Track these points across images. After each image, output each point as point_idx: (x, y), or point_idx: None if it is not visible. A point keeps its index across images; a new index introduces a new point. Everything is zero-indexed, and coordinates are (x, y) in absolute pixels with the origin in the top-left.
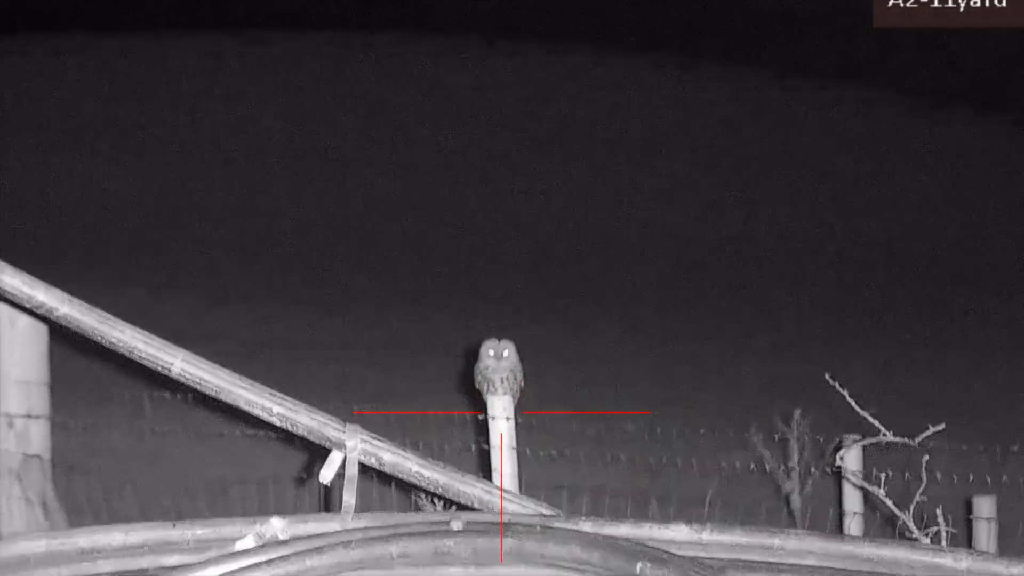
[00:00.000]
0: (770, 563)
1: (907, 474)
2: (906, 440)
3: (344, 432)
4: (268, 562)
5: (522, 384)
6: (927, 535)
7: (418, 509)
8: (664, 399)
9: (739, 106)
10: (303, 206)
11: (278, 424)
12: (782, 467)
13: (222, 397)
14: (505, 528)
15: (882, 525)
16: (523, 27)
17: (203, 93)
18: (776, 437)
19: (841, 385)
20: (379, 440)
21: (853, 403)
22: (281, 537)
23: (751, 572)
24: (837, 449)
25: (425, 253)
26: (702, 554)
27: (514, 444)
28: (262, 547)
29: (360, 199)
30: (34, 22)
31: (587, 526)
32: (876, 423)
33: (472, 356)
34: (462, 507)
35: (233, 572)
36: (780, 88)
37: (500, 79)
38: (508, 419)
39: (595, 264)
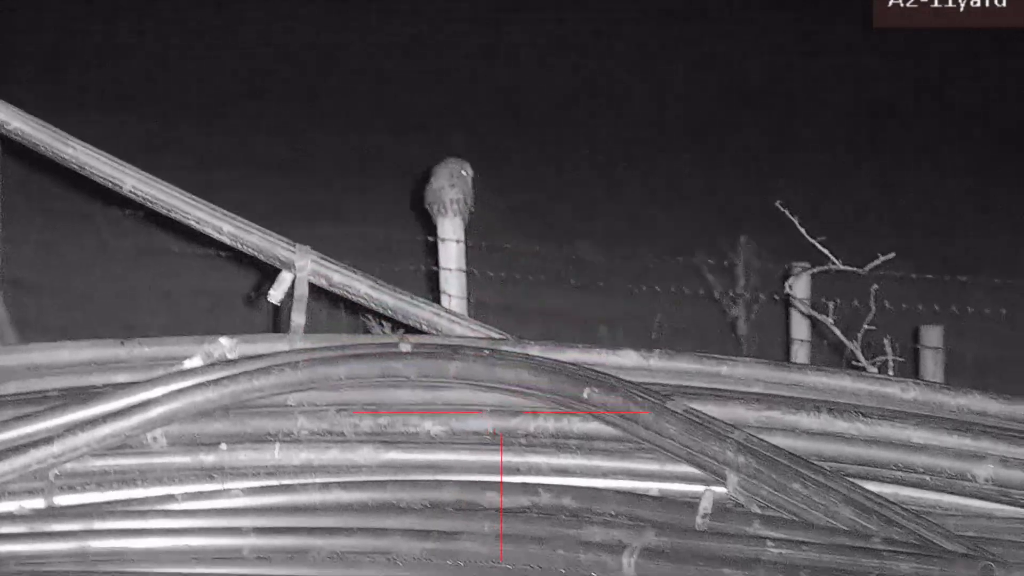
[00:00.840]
0: (717, 390)
1: (855, 303)
2: (855, 269)
3: (295, 252)
4: (215, 381)
5: (471, 207)
6: (874, 364)
7: (367, 331)
8: (616, 224)
9: None
10: (260, 25)
11: (228, 243)
12: (729, 294)
13: (173, 215)
14: (453, 351)
15: (830, 354)
16: None
17: None
18: (725, 263)
19: (791, 212)
20: (329, 261)
21: (803, 230)
22: (229, 356)
23: (698, 399)
24: (786, 276)
25: (388, 76)
26: (650, 380)
27: (463, 267)
28: (210, 366)
29: (321, 20)
30: None
31: (535, 350)
32: (825, 251)
33: (427, 178)
34: (411, 329)
35: (181, 391)
36: None
37: None
38: (458, 241)
39: (559, 94)
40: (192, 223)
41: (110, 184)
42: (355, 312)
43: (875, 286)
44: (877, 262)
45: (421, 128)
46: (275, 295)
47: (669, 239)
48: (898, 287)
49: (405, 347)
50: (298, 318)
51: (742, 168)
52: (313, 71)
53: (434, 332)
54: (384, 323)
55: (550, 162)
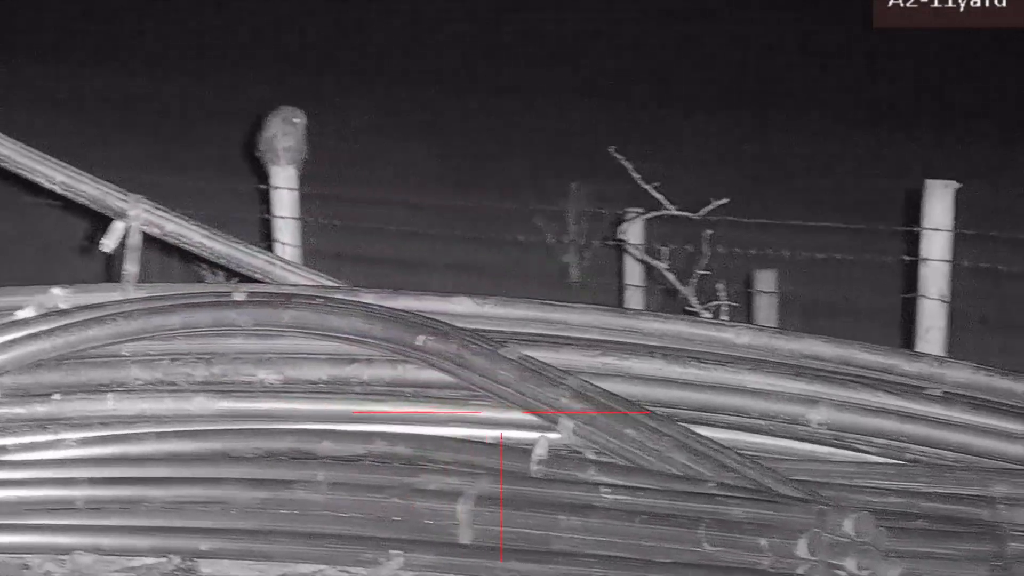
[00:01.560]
0: (551, 336)
1: (690, 248)
2: (689, 214)
3: (127, 201)
4: (48, 331)
5: (304, 155)
6: (708, 310)
7: (201, 280)
8: (451, 169)
9: None
10: None
11: (60, 192)
12: (561, 240)
13: (5, 165)
14: (287, 299)
15: (664, 299)
16: None
17: None
18: (555, 208)
19: (625, 157)
20: (162, 209)
21: (637, 176)
22: (62, 306)
23: (533, 345)
24: (619, 222)
25: (232, 16)
26: (484, 327)
27: (296, 215)
28: (43, 316)
29: None
30: None
31: (369, 298)
32: (659, 196)
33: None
34: (245, 278)
35: (12, 341)
36: None
37: None
38: (291, 189)
39: (393, 31)
40: (24, 172)
41: None
42: (188, 261)
43: (709, 231)
44: (710, 207)
45: (248, 76)
46: (108, 244)
47: (502, 185)
48: (733, 231)
49: (239, 296)
50: (131, 267)
51: (582, 116)
52: (145, 13)
53: (268, 281)
54: (218, 272)
55: (386, 107)
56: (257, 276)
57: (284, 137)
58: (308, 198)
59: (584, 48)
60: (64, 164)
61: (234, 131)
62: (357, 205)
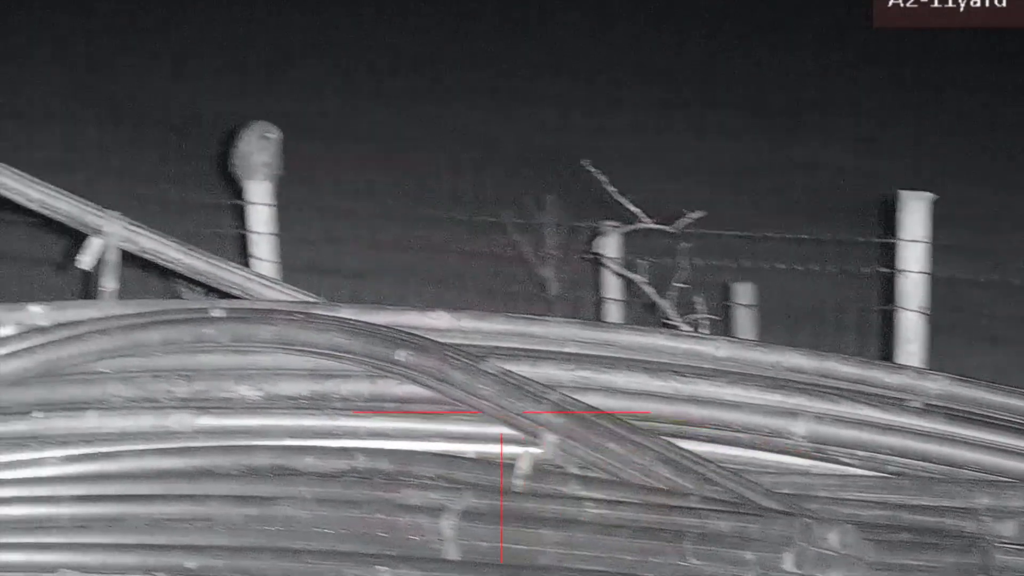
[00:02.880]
0: (530, 351)
1: (668, 261)
2: (665, 227)
3: (103, 218)
4: (28, 349)
5: (278, 170)
6: (687, 323)
7: (178, 296)
8: (422, 182)
9: None
10: None
11: (37, 210)
12: (538, 253)
13: None
14: (266, 315)
15: (642, 312)
16: None
17: None
18: (531, 222)
19: (600, 170)
20: (139, 226)
21: (612, 190)
22: (40, 324)
23: (512, 359)
24: (595, 235)
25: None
26: (463, 342)
27: (273, 230)
28: (22, 334)
29: None
30: None
31: (348, 312)
32: (635, 210)
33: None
34: (223, 294)
35: None
36: None
37: None
38: (267, 205)
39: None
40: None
41: None
42: (167, 277)
43: (685, 244)
44: (687, 220)
45: (206, 87)
46: (85, 261)
47: (477, 197)
48: (709, 244)
49: (217, 312)
50: (109, 284)
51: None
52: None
53: (246, 296)
54: (196, 288)
55: (359, 118)
56: (235, 292)
57: (259, 152)
58: (283, 208)
59: (563, 52)
60: (37, 180)
61: (212, 144)
62: (336, 215)
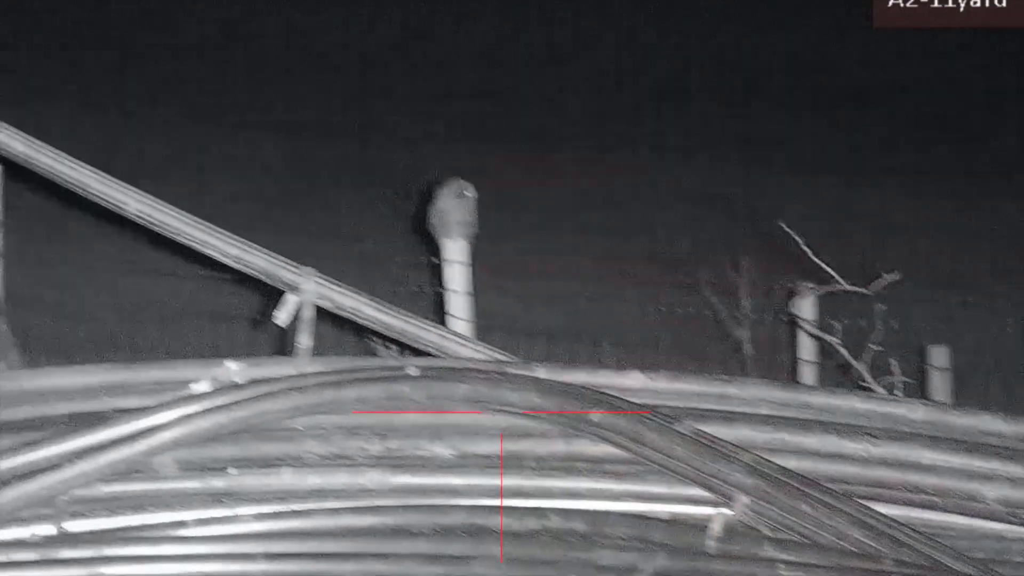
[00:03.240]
0: (724, 412)
1: (863, 322)
2: (860, 289)
3: (299, 274)
4: (224, 406)
5: (475, 229)
6: (882, 385)
7: (374, 353)
8: (616, 242)
9: None
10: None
11: (233, 265)
12: (733, 314)
13: (178, 238)
14: (462, 374)
15: (836, 374)
16: None
17: None
18: (726, 283)
19: (796, 232)
20: (334, 283)
21: (808, 251)
22: (236, 380)
23: (705, 420)
24: (790, 296)
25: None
26: (657, 402)
27: (470, 289)
28: (218, 391)
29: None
30: None
31: (542, 372)
32: (830, 271)
33: (426, 197)
34: (417, 352)
35: (189, 416)
36: None
37: None
38: (464, 264)
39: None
40: (197, 246)
41: (114, 206)
42: (361, 334)
43: (881, 306)
44: (883, 282)
45: (399, 143)
46: (281, 318)
47: (672, 255)
48: (906, 307)
49: (413, 370)
50: (304, 341)
51: (744, 185)
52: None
53: (441, 355)
54: (391, 345)
55: (540, 174)
56: (431, 350)
57: (457, 211)
58: (482, 268)
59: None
60: (235, 236)
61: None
62: (529, 275)
